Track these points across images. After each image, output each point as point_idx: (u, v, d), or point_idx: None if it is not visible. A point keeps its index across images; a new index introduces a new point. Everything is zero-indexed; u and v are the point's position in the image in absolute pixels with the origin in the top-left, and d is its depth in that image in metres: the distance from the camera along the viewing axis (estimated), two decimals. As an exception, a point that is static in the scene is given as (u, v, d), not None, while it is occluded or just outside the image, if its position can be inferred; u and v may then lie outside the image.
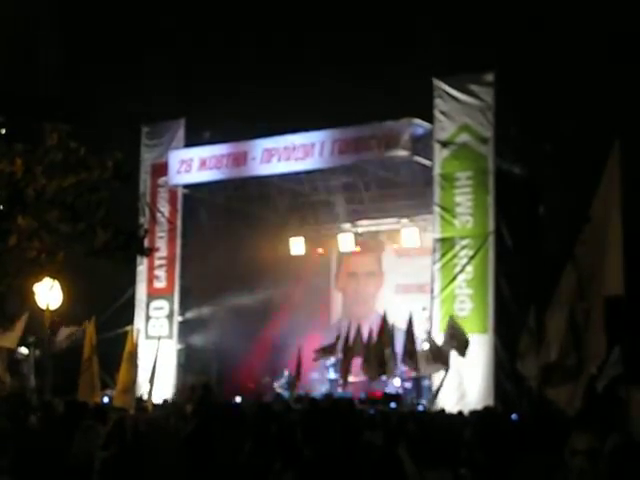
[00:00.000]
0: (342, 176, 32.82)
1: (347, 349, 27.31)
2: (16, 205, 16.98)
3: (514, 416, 18.91)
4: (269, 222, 36.09)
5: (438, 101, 28.75)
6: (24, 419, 15.45)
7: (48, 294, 20.91)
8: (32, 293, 20.26)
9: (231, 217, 34.75)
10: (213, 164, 32.21)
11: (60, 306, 24.10)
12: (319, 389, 31.99)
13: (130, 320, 33.47)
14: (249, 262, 34.12)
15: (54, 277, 18.80)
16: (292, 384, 29.79)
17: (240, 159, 31.76)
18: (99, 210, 17.09)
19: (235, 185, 33.82)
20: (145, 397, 25.10)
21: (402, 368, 28.71)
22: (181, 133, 34.13)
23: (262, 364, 33.70)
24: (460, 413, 20.90)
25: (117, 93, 32.62)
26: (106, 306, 32.04)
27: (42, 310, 23.46)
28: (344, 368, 27.31)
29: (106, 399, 26.29)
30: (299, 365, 28.51)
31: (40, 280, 18.73)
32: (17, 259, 16.91)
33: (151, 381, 24.50)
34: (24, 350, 27.86)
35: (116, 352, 25.96)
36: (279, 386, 31.81)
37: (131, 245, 17.84)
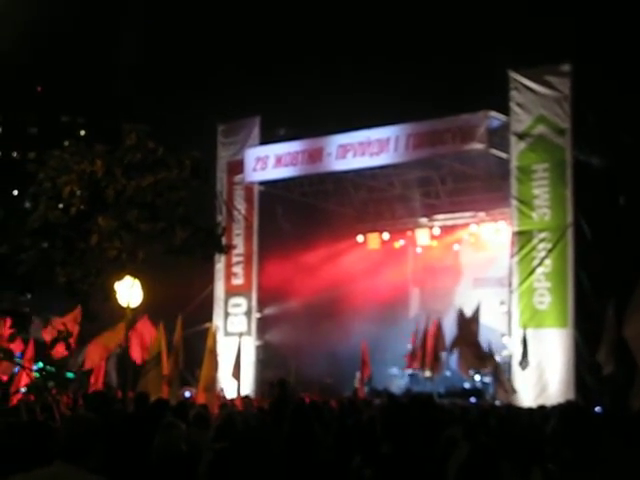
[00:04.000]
0: (418, 170, 32.70)
1: (425, 344, 27.25)
2: (97, 205, 17.28)
3: (598, 409, 18.66)
4: (345, 217, 36.12)
5: (514, 93, 28.51)
6: (109, 416, 15.69)
7: (129, 293, 21.14)
8: (114, 292, 20.49)
9: (307, 213, 34.83)
10: (289, 161, 32.33)
11: (140, 304, 24.39)
12: (397, 384, 31.93)
13: (209, 317, 33.78)
14: (326, 257, 34.19)
15: (134, 276, 19.03)
16: (361, 379, 29.83)
17: (315, 155, 31.83)
18: (178, 209, 17.29)
19: (311, 181, 33.93)
20: (225, 394, 25.31)
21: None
22: (256, 131, 34.31)
23: (340, 359, 33.70)
24: (542, 407, 20.68)
25: (193, 92, 32.92)
26: (186, 304, 32.34)
27: (123, 309, 23.76)
28: (426, 362, 27.26)
29: (187, 394, 26.55)
30: (364, 361, 28.61)
31: (121, 279, 18.97)
32: (98, 258, 17.18)
33: (237, 377, 24.65)
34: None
35: (196, 349, 26.18)
36: (358, 380, 31.78)
37: (210, 243, 18.01)
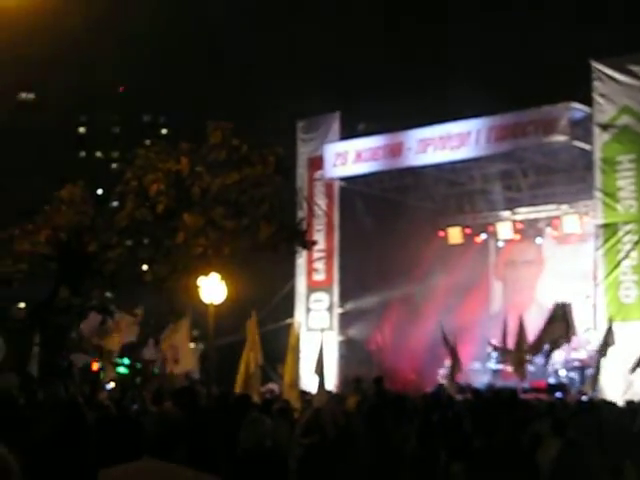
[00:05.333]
0: (499, 163, 32.42)
1: (507, 338, 27.03)
2: (182, 203, 17.49)
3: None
4: (426, 212, 35.96)
5: (597, 83, 28.09)
6: (194, 411, 15.86)
7: (213, 289, 21.35)
8: (197, 288, 20.72)
9: (388, 208, 34.73)
10: (368, 156, 32.30)
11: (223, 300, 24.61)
12: (481, 379, 31.69)
13: (291, 313, 33.94)
14: (407, 252, 34.07)
15: (219, 272, 19.22)
16: (453, 375, 29.59)
17: (395, 150, 31.75)
18: (263, 205, 17.41)
19: (391, 176, 33.84)
20: (308, 390, 25.37)
21: (567, 357, 28.28)
22: (336, 126, 34.34)
23: (422, 354, 33.58)
24: (630, 402, 20.37)
25: (273, 89, 33.10)
26: (267, 300, 32.53)
27: (206, 305, 24.00)
28: (513, 359, 27.03)
29: (271, 389, 26.70)
30: (454, 355, 28.38)
31: (206, 275, 19.17)
32: (184, 255, 17.38)
33: (320, 373, 24.72)
34: (191, 344, 28.54)
35: (278, 345, 26.32)
36: (441, 377, 31.62)
37: (294, 239, 18.11)
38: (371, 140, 32.49)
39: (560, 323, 26.17)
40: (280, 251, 18.26)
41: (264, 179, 17.54)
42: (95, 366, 31.56)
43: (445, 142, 30.24)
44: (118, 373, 24.94)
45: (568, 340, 26.71)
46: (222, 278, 20.76)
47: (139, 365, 21.39)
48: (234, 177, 17.17)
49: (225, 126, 17.75)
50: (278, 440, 10.94)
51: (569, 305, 26.70)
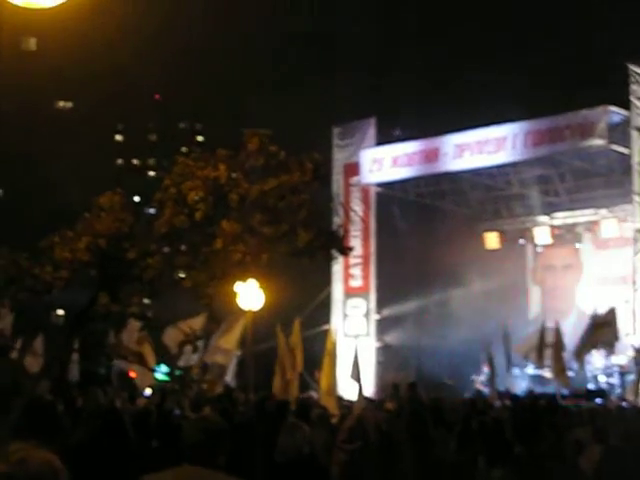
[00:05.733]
0: (536, 168, 32.27)
1: (544, 345, 26.85)
2: (221, 210, 17.55)
3: None
4: (462, 217, 35.84)
5: (634, 87, 27.90)
6: (233, 417, 15.91)
7: (251, 296, 21.40)
8: (235, 295, 20.78)
9: (424, 214, 34.68)
10: (405, 161, 32.28)
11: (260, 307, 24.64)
12: (519, 385, 31.49)
13: (327, 319, 33.95)
14: (443, 258, 33.95)
15: (257, 279, 19.28)
16: (491, 380, 29.41)
17: (431, 155, 31.71)
18: (300, 212, 17.43)
19: (427, 181, 33.79)
20: (346, 396, 25.33)
21: (607, 363, 28.07)
22: (372, 132, 34.35)
23: (460, 360, 33.43)
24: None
25: (308, 96, 33.14)
26: (303, 306, 32.54)
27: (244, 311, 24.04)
28: (553, 365, 26.83)
29: (310, 395, 26.68)
30: (492, 361, 28.22)
31: (244, 282, 19.24)
32: (223, 262, 17.43)
33: (357, 379, 24.67)
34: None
35: (314, 351, 26.30)
36: (479, 382, 31.47)
37: (332, 245, 18.11)
38: (407, 145, 32.47)
39: (610, 327, 25.95)
40: (318, 258, 18.25)
41: (302, 185, 17.56)
42: (133, 373, 31.73)
43: (482, 147, 30.16)
44: (157, 380, 25.03)
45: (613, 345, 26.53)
46: (260, 285, 20.83)
47: (178, 372, 21.45)
48: (272, 183, 17.21)
49: (262, 133, 17.81)
50: (316, 447, 10.94)
51: (615, 310, 26.53)
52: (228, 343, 25.56)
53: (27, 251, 18.24)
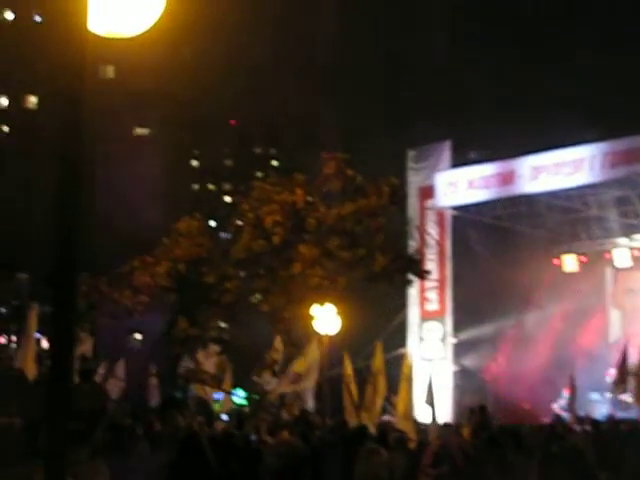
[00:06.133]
0: (614, 190, 31.80)
1: (626, 369, 26.38)
2: (298, 234, 17.61)
3: None
4: (540, 240, 35.42)
5: None
6: (313, 442, 15.88)
7: (328, 320, 21.39)
8: (313, 319, 20.79)
9: (501, 236, 34.35)
10: (480, 184, 32.05)
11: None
12: (599, 410, 30.97)
13: (403, 343, 33.78)
14: (520, 281, 33.62)
15: (334, 303, 19.27)
16: (571, 405, 28.97)
17: (508, 178, 31.44)
18: (378, 236, 17.42)
19: (503, 204, 33.48)
20: (423, 420, 25.13)
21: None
22: (447, 154, 34.20)
23: (538, 384, 33.01)
24: None
25: (382, 119, 33.18)
26: (379, 330, 32.42)
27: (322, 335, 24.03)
28: (630, 387, 26.36)
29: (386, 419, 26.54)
30: (573, 386, 27.77)
31: (321, 305, 19.23)
32: (301, 286, 17.47)
33: (431, 404, 24.49)
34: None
35: (390, 375, 26.16)
36: (558, 407, 31.00)
37: (409, 269, 18.05)
38: (483, 168, 32.25)
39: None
40: (395, 281, 18.21)
41: (379, 209, 17.55)
42: (210, 396, 31.90)
43: (559, 169, 29.83)
44: (234, 404, 25.13)
45: None
46: (337, 309, 20.82)
47: (255, 396, 21.51)
48: (349, 208, 17.25)
49: (340, 157, 17.86)
50: (395, 471, 10.88)
51: None
52: (304, 367, 25.58)
53: (107, 276, 18.49)
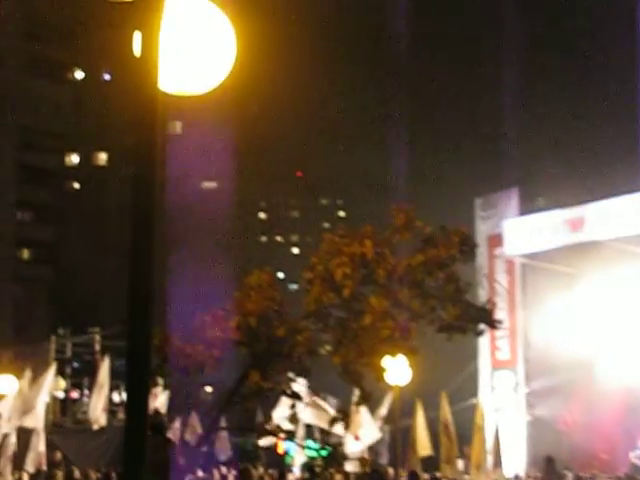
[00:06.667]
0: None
1: None
2: (368, 286, 17.61)
3: None
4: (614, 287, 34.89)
5: None
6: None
7: (399, 371, 21.33)
8: (383, 370, 20.71)
9: (572, 283, 33.93)
10: (549, 231, 31.81)
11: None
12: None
13: (474, 393, 33.43)
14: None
15: (406, 354, 19.22)
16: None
17: (577, 224, 31.18)
18: (448, 286, 17.35)
19: (574, 250, 33.10)
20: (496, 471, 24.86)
21: None
22: (515, 202, 34.01)
23: (614, 433, 32.35)
24: None
25: (450, 168, 33.19)
26: (449, 380, 32.16)
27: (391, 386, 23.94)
28: None
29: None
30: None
31: (393, 357, 19.19)
32: (372, 338, 17.43)
33: (503, 454, 24.22)
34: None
35: (462, 426, 25.93)
36: (635, 457, 30.34)
37: (481, 319, 17.93)
38: (551, 215, 32.02)
39: None
40: (467, 332, 18.10)
41: (449, 259, 17.51)
42: (281, 449, 31.87)
43: (628, 214, 29.53)
44: (307, 456, 25.07)
45: None
46: (408, 360, 20.73)
47: (328, 448, 21.43)
48: (419, 259, 17.22)
49: (409, 209, 17.91)
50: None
51: None
52: (376, 419, 25.51)
53: (179, 330, 18.65)
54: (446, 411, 24.70)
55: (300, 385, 19.85)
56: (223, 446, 27.16)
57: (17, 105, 55.76)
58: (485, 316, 18.23)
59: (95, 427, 27.34)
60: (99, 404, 26.65)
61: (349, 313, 17.93)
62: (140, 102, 3.57)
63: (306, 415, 23.53)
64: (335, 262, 17.68)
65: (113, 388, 38.29)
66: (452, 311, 17.29)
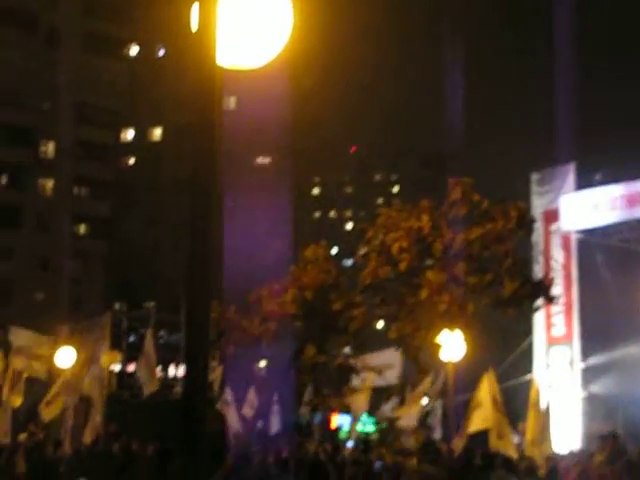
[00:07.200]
0: None
1: None
2: (424, 260, 17.57)
3: None
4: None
5: None
6: (443, 468, 15.77)
7: (453, 346, 21.23)
8: (438, 346, 20.67)
9: (628, 259, 33.52)
10: (606, 206, 31.44)
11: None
12: None
13: (528, 369, 33.22)
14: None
15: (461, 329, 19.11)
16: None
17: (634, 199, 30.79)
18: (506, 260, 17.26)
19: (630, 226, 32.72)
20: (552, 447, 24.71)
21: None
22: (571, 177, 33.64)
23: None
24: None
25: (506, 142, 32.91)
26: (504, 356, 31.98)
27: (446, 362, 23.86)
28: None
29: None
30: None
31: (450, 331, 19.11)
32: (428, 313, 17.40)
33: (557, 430, 24.07)
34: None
35: (517, 402, 25.80)
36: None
37: (538, 294, 17.82)
38: (609, 190, 31.64)
39: None
40: (524, 307, 18.00)
41: (506, 234, 17.39)
42: (334, 423, 31.97)
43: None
44: (361, 430, 25.12)
45: None
46: (462, 334, 20.64)
47: (384, 424, 21.45)
48: (476, 232, 17.13)
49: (466, 182, 17.79)
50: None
51: None
52: (431, 394, 25.43)
53: (235, 304, 18.75)
54: (495, 387, 24.55)
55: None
56: (273, 421, 27.30)
57: (74, 81, 56.19)
58: (542, 291, 18.11)
59: (146, 395, 27.56)
60: (148, 374, 26.83)
61: (405, 287, 17.91)
62: (199, 76, 3.57)
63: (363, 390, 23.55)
64: (392, 236, 17.65)
65: (168, 362, 38.66)
66: (510, 286, 17.20)
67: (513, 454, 21.88)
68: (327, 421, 30.41)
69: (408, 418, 24.26)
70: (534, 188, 34.74)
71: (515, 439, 26.55)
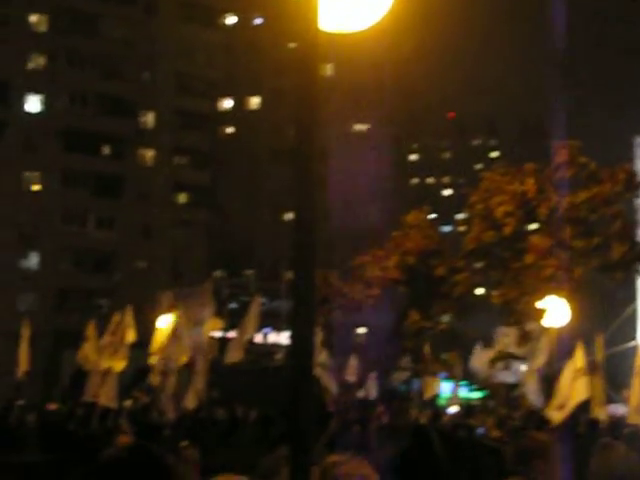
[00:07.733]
0: None
1: None
2: (529, 224, 17.26)
3: None
4: None
5: None
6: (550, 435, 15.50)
7: (558, 312, 20.84)
8: (542, 311, 20.31)
9: None
10: None
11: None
12: None
13: (633, 336, 32.59)
14: None
15: (566, 294, 18.77)
16: None
17: None
18: (614, 223, 16.86)
19: None
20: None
21: None
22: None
23: None
24: None
25: (609, 106, 32.16)
26: (608, 322, 31.42)
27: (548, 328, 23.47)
28: None
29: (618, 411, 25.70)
30: None
31: (557, 296, 18.77)
32: (534, 278, 17.10)
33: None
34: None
35: (620, 369, 25.33)
36: None
37: (647, 258, 17.39)
38: None
39: None
40: (633, 271, 17.57)
41: (614, 196, 16.98)
42: (433, 390, 31.75)
43: None
44: (463, 397, 24.93)
45: None
46: (568, 300, 20.26)
47: (487, 390, 21.24)
48: (583, 196, 16.75)
49: (572, 144, 17.39)
50: (631, 468, 10.49)
51: None
52: (535, 360, 25.06)
53: (338, 270, 18.73)
54: (600, 355, 24.05)
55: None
56: (370, 386, 27.21)
57: (171, 51, 56.56)
58: (651, 256, 17.68)
59: (229, 362, 27.65)
60: (239, 342, 26.92)
61: (510, 252, 17.63)
62: (301, 41, 3.48)
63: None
64: (496, 200, 17.38)
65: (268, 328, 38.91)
66: (619, 249, 16.80)
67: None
68: (426, 387, 30.24)
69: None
70: (638, 152, 33.91)
71: (617, 407, 26.12)
